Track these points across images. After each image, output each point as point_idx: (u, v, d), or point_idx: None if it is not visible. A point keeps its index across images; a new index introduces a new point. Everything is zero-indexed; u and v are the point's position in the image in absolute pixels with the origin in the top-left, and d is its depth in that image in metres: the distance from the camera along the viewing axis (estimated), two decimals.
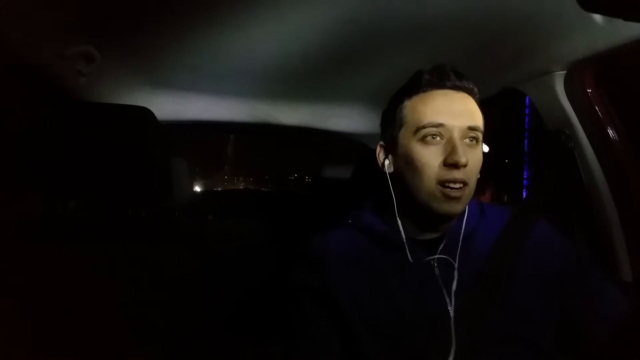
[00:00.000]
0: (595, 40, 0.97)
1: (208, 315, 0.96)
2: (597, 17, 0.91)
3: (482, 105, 0.88)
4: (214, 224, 2.02)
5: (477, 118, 0.85)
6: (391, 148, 0.90)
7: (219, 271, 1.22)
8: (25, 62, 1.17)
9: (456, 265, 0.84)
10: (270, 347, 1.37)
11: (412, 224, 0.89)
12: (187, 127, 1.92)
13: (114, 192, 0.99)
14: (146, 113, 0.98)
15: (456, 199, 0.81)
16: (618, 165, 1.06)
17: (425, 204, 0.83)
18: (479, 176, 0.86)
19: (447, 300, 0.82)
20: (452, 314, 0.81)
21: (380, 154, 0.93)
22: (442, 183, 0.81)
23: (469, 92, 0.86)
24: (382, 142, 0.94)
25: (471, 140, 0.83)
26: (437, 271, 0.85)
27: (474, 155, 0.83)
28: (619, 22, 0.86)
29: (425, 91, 0.86)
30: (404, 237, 0.86)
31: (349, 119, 1.97)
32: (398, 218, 0.88)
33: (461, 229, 0.87)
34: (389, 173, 0.90)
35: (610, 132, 1.07)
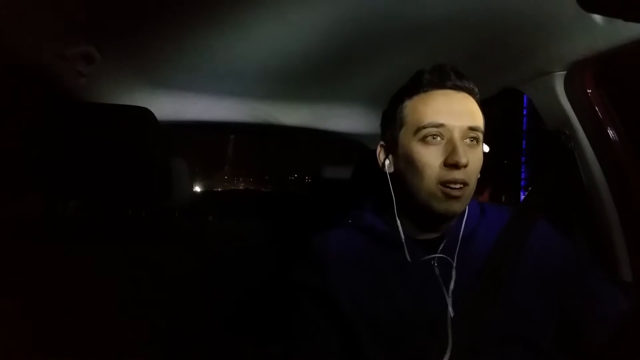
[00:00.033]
0: (595, 41, 0.97)
1: (208, 315, 0.96)
2: (597, 17, 0.91)
3: (482, 105, 0.88)
4: (214, 224, 2.02)
5: (477, 118, 0.85)
6: (391, 148, 0.90)
7: (219, 271, 1.23)
8: (25, 62, 1.17)
9: (454, 265, 0.84)
10: (270, 347, 1.37)
11: (412, 224, 0.89)
12: (187, 127, 1.92)
13: (114, 192, 0.99)
14: (146, 113, 0.98)
15: (456, 198, 0.81)
16: (618, 166, 1.06)
17: (425, 204, 0.83)
18: (479, 176, 0.86)
19: (448, 300, 0.82)
20: (452, 314, 0.81)
21: (380, 154, 0.93)
22: (443, 183, 0.81)
23: (470, 92, 0.86)
24: (382, 142, 0.94)
25: (472, 141, 0.83)
26: (437, 271, 0.85)
27: (475, 155, 0.83)
28: (619, 22, 0.86)
29: (425, 91, 0.86)
30: (402, 237, 0.86)
31: (349, 119, 1.97)
32: (397, 218, 0.88)
33: (461, 229, 0.87)
34: (389, 173, 0.90)
35: (610, 132, 1.07)
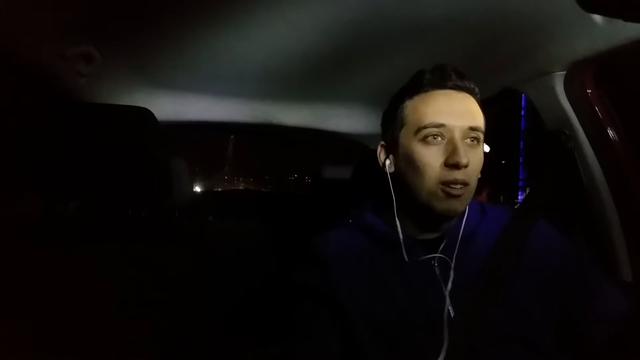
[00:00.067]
0: (595, 41, 0.97)
1: (208, 315, 0.96)
2: (597, 18, 0.91)
3: (482, 105, 0.88)
4: (214, 224, 2.02)
5: (478, 118, 0.85)
6: (392, 148, 0.90)
7: (219, 271, 1.23)
8: (25, 62, 1.17)
9: (452, 265, 0.84)
10: (270, 347, 1.37)
11: (412, 223, 0.89)
12: (187, 127, 1.92)
13: (114, 192, 0.99)
14: (146, 113, 0.98)
15: (457, 197, 0.81)
16: (618, 166, 1.06)
17: (426, 204, 0.83)
18: (479, 176, 0.86)
19: (448, 300, 0.82)
20: (452, 314, 0.81)
21: (381, 154, 0.93)
22: (443, 183, 0.81)
23: (470, 92, 0.86)
24: (382, 142, 0.94)
25: (472, 141, 0.83)
26: (437, 271, 0.85)
27: (475, 155, 0.83)
28: (619, 23, 0.86)
29: (426, 91, 0.86)
30: (401, 236, 0.86)
31: (349, 119, 1.97)
32: (397, 218, 0.88)
33: (461, 228, 0.87)
34: (389, 173, 0.90)
35: (610, 132, 1.07)
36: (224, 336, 1.34)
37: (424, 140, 0.83)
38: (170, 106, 1.72)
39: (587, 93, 1.09)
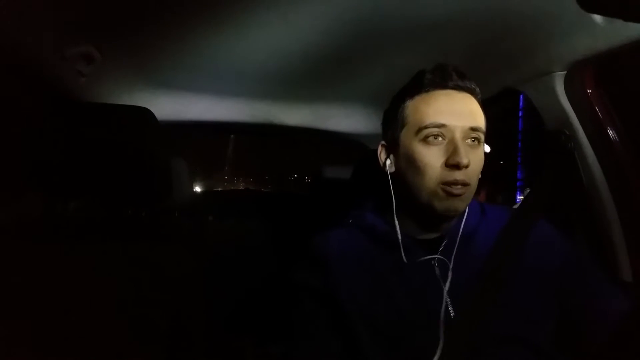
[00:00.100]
0: (595, 40, 0.97)
1: (208, 315, 0.96)
2: (597, 17, 0.91)
3: (482, 105, 0.88)
4: (214, 224, 2.02)
5: (479, 118, 0.85)
6: (393, 148, 0.90)
7: (219, 271, 1.23)
8: (25, 62, 1.17)
9: (450, 266, 0.84)
10: (270, 347, 1.37)
11: (413, 223, 0.89)
12: (187, 127, 1.92)
13: (114, 192, 0.99)
14: (146, 113, 0.98)
15: (458, 196, 0.81)
16: (618, 166, 1.06)
17: (427, 203, 0.83)
18: (480, 176, 0.86)
19: (448, 300, 0.82)
20: (452, 314, 0.81)
21: (381, 154, 0.93)
22: (444, 184, 0.81)
23: (471, 92, 0.86)
24: (383, 142, 0.94)
25: (473, 141, 0.83)
26: (437, 271, 0.85)
27: (476, 156, 0.83)
28: (619, 22, 0.86)
29: (427, 91, 0.86)
30: (399, 236, 0.86)
31: (349, 119, 1.98)
32: (396, 218, 0.88)
33: (461, 228, 0.87)
34: (390, 173, 0.90)
35: (610, 132, 1.07)
36: (224, 336, 1.34)
37: (425, 140, 0.83)
38: (170, 106, 1.72)
39: (587, 93, 1.09)
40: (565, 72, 1.11)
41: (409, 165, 0.85)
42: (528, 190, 1.16)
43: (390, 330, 0.81)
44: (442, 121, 0.82)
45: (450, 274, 0.83)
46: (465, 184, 0.81)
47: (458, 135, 0.81)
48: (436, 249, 0.86)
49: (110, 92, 1.52)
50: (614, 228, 1.07)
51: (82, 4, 1.05)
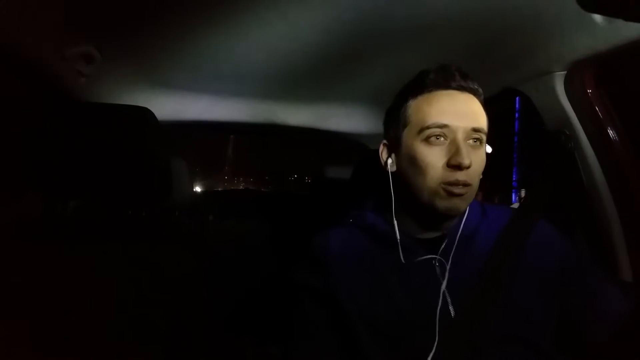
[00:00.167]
0: (595, 40, 0.97)
1: (208, 315, 0.96)
2: (597, 17, 0.91)
3: (483, 105, 0.88)
4: (214, 224, 2.02)
5: (481, 119, 0.85)
6: (394, 147, 0.90)
7: (219, 271, 1.22)
8: (25, 62, 1.17)
9: (448, 266, 0.84)
10: (270, 347, 1.37)
11: (414, 222, 0.89)
12: (187, 127, 1.92)
13: (114, 192, 0.99)
14: (146, 113, 0.98)
15: (459, 195, 0.81)
16: (618, 165, 1.06)
17: (428, 203, 0.83)
18: (481, 177, 0.86)
19: (448, 300, 0.82)
20: (452, 314, 0.81)
21: (383, 153, 0.93)
22: (445, 184, 0.81)
23: (474, 92, 0.86)
24: (385, 141, 0.94)
25: (475, 142, 0.83)
26: (438, 271, 0.85)
27: (478, 156, 0.83)
28: (619, 22, 0.86)
29: (430, 91, 0.86)
30: (398, 236, 0.86)
31: (349, 119, 1.97)
32: (395, 217, 0.88)
33: (461, 228, 0.87)
34: (391, 172, 0.90)
35: (610, 132, 1.07)
36: (224, 336, 1.34)
37: (427, 140, 0.83)
38: (170, 106, 1.72)
39: (587, 93, 1.09)
40: (565, 72, 1.11)
41: (410, 164, 0.85)
42: (528, 191, 1.16)
43: (390, 330, 0.81)
44: (445, 121, 0.82)
45: (447, 273, 0.83)
46: (466, 184, 0.81)
47: (460, 136, 0.81)
48: (437, 248, 0.86)
49: (110, 92, 1.52)
50: (614, 228, 1.07)
51: (82, 4, 1.05)
